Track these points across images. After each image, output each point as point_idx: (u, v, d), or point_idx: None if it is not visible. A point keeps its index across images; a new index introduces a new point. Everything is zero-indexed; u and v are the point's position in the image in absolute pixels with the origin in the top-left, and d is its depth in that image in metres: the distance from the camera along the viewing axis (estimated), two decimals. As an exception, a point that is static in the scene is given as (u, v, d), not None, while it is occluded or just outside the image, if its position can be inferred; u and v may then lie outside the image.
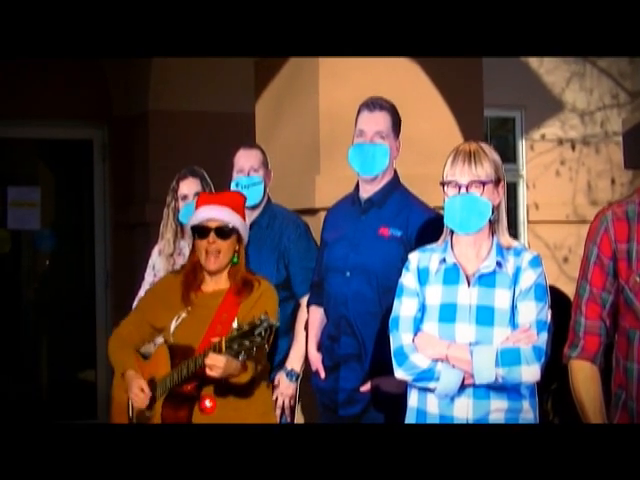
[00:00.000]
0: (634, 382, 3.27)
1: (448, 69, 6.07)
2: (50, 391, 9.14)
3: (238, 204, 4.31)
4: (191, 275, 4.25)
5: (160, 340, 4.37)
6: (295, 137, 6.18)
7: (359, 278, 4.47)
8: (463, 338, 3.62)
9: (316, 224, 5.21)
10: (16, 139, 8.87)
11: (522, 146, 9.89)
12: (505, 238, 3.73)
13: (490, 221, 3.70)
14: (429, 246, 3.82)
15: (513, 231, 9.41)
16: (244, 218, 4.34)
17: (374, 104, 4.53)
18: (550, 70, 9.82)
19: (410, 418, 3.76)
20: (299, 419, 5.51)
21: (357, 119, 4.57)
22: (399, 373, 3.70)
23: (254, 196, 5.14)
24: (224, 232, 4.20)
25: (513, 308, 3.64)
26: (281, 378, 4.93)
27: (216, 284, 4.24)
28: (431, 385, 3.64)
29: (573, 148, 9.95)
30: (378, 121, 4.51)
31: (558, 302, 3.93)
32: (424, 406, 3.70)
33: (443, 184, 3.70)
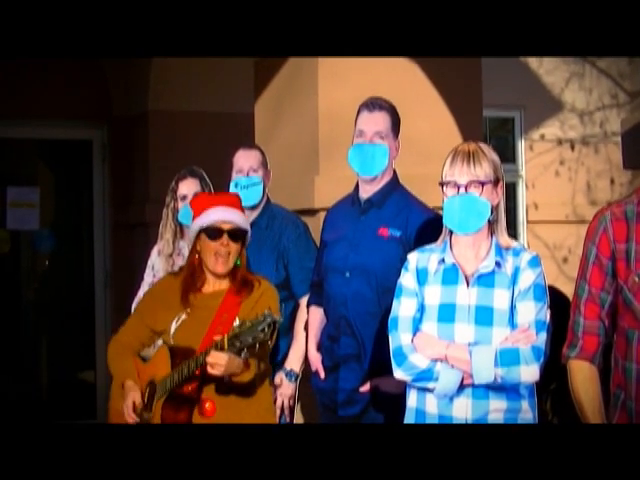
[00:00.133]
0: (633, 382, 3.27)
1: (447, 69, 6.08)
2: (49, 391, 9.14)
3: (241, 206, 4.30)
4: (192, 276, 4.20)
5: (160, 343, 4.33)
6: (294, 137, 6.18)
7: (358, 278, 4.47)
8: (462, 338, 3.63)
9: (315, 224, 5.22)
10: (15, 139, 8.87)
11: (521, 146, 9.89)
12: (504, 238, 3.74)
13: (489, 221, 3.71)
14: (428, 246, 3.82)
15: (512, 231, 9.41)
16: None
17: (373, 104, 4.54)
18: (549, 70, 9.83)
19: (409, 418, 3.77)
20: (298, 419, 5.51)
21: (357, 119, 4.57)
22: (398, 373, 3.71)
23: (253, 196, 5.14)
24: (237, 235, 4.15)
25: (512, 308, 3.64)
26: (281, 378, 4.94)
27: (216, 284, 4.21)
28: (430, 385, 3.64)
29: (572, 148, 9.95)
30: (377, 121, 4.52)
31: (557, 302, 3.93)
32: (423, 406, 3.70)
33: (442, 184, 3.70)
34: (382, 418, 4.41)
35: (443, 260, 3.72)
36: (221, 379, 3.99)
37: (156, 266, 5.40)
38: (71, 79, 8.70)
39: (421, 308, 3.72)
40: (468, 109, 6.25)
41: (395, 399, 4.08)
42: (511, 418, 3.64)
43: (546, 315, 3.64)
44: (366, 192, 4.56)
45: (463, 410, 3.64)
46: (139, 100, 8.66)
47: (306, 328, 4.86)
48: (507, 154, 9.70)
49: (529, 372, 3.58)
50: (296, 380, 5.03)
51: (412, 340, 3.68)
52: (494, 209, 3.71)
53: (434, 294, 3.70)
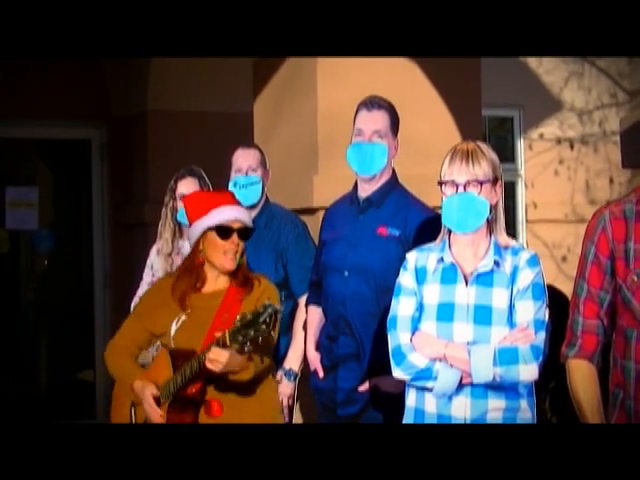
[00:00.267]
0: (632, 381, 3.27)
1: (447, 69, 6.08)
2: (49, 391, 9.14)
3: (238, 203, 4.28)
4: (191, 277, 4.15)
5: (158, 345, 4.28)
6: (293, 137, 6.18)
7: (357, 278, 4.47)
8: (461, 337, 3.63)
9: (314, 224, 5.22)
10: (14, 139, 8.87)
11: (520, 145, 9.89)
12: (503, 237, 3.74)
13: (488, 220, 3.71)
14: (427, 245, 3.82)
15: (511, 230, 9.41)
16: None
17: (372, 103, 4.54)
18: (549, 70, 9.83)
19: (408, 417, 3.77)
20: (298, 419, 5.51)
21: (355, 118, 4.57)
22: (397, 372, 3.71)
23: (252, 196, 5.15)
24: (246, 233, 4.12)
25: (511, 307, 3.64)
26: (280, 377, 4.94)
27: (216, 284, 4.16)
28: (429, 384, 3.64)
29: (571, 147, 9.95)
30: (376, 120, 4.52)
31: (556, 301, 3.94)
32: (422, 405, 3.71)
33: (441, 183, 3.70)
34: (381, 417, 4.41)
35: (442, 259, 3.73)
36: (223, 378, 3.94)
37: (155, 265, 5.40)
38: (70, 79, 8.70)
39: (420, 307, 3.72)
40: (467, 108, 6.25)
41: (394, 398, 4.08)
42: (510, 417, 3.64)
43: (545, 314, 3.64)
44: (365, 191, 4.56)
45: (462, 409, 3.64)
46: (138, 100, 8.66)
47: (305, 327, 4.86)
48: (506, 153, 9.70)
49: (528, 371, 3.59)
50: (295, 379, 5.03)
51: (411, 339, 3.68)
52: (493, 208, 3.71)
53: (433, 293, 3.70)
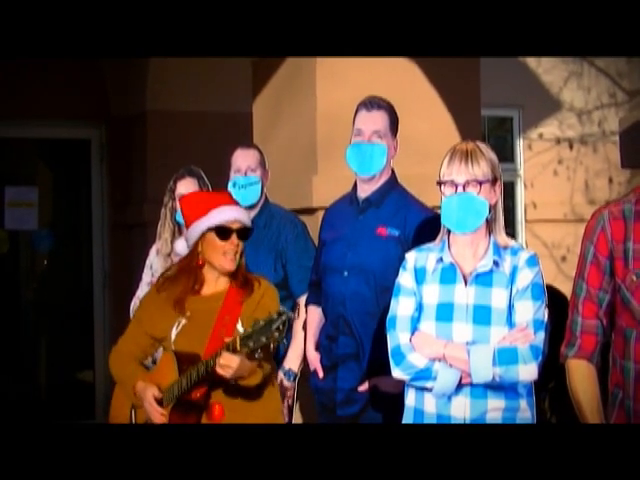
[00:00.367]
0: (631, 381, 3.27)
1: (446, 69, 6.08)
2: (48, 391, 9.14)
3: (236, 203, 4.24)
4: (189, 279, 4.10)
5: (161, 350, 4.22)
6: (293, 137, 6.18)
7: (357, 278, 4.47)
8: (460, 337, 3.63)
9: (314, 224, 5.22)
10: (14, 139, 8.87)
11: (520, 145, 9.89)
12: (502, 237, 3.74)
13: (487, 220, 3.71)
14: (426, 245, 3.82)
15: (511, 230, 9.41)
16: None
17: (372, 103, 4.54)
18: (548, 69, 9.83)
19: (408, 418, 3.77)
20: (297, 419, 5.51)
21: (355, 118, 4.57)
22: (396, 373, 3.71)
23: (251, 196, 5.15)
24: (245, 234, 4.08)
25: (510, 307, 3.64)
26: (279, 378, 4.93)
27: (215, 286, 4.11)
28: (428, 384, 3.65)
29: (571, 147, 9.95)
30: (376, 120, 4.52)
31: (555, 301, 3.94)
32: (422, 405, 3.71)
33: (440, 183, 3.70)
34: (381, 417, 4.41)
35: (441, 259, 3.73)
36: (229, 382, 3.89)
37: (154, 266, 5.39)
38: (70, 79, 8.70)
39: (419, 307, 3.72)
40: (466, 108, 6.26)
41: (394, 398, 4.08)
42: (509, 417, 3.64)
43: (544, 314, 3.65)
44: (364, 191, 4.56)
45: (461, 409, 3.64)
46: (137, 100, 8.66)
47: (304, 328, 4.86)
48: (505, 153, 9.70)
49: (527, 371, 3.59)
50: (295, 380, 5.03)
51: (410, 339, 3.68)
52: (492, 208, 3.71)
53: (432, 293, 3.70)
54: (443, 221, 3.73)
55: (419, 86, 6.12)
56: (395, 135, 4.58)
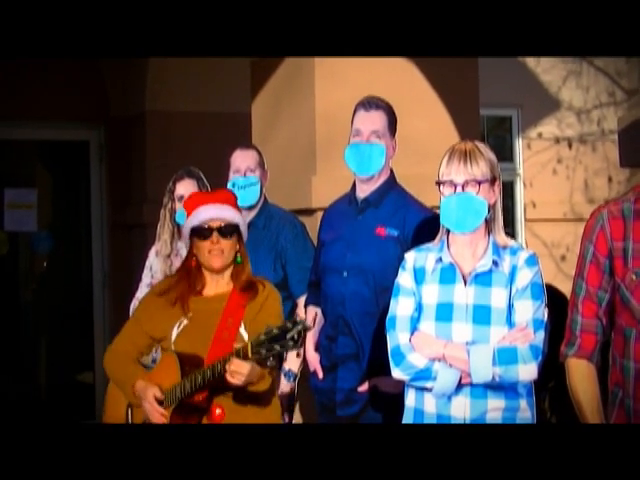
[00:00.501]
0: (631, 380, 3.27)
1: (445, 69, 6.08)
2: (48, 391, 9.14)
3: (234, 201, 4.15)
4: (189, 279, 4.06)
5: (158, 352, 4.20)
6: (292, 137, 6.18)
7: (356, 278, 4.47)
8: (460, 337, 3.63)
9: (313, 224, 5.22)
10: (13, 140, 8.87)
11: (519, 145, 9.89)
12: (501, 237, 3.74)
13: (486, 220, 3.71)
14: (425, 245, 3.82)
15: (510, 230, 9.41)
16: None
17: (370, 103, 4.54)
18: (547, 69, 9.83)
19: (408, 418, 3.77)
20: (297, 419, 5.51)
21: (353, 118, 4.57)
22: (396, 373, 3.71)
23: (250, 196, 5.15)
24: (227, 231, 4.02)
25: (510, 307, 3.64)
26: (279, 378, 4.93)
27: (217, 287, 4.07)
28: (428, 384, 3.64)
29: (570, 146, 9.96)
30: (374, 120, 4.51)
31: (555, 300, 3.93)
32: (421, 405, 3.71)
33: (439, 183, 3.70)
34: (380, 418, 4.41)
35: (440, 259, 3.73)
36: (235, 387, 3.82)
37: (154, 267, 5.39)
38: (70, 80, 8.70)
39: (419, 307, 3.72)
40: (465, 108, 6.26)
41: (393, 398, 4.08)
42: (509, 417, 3.64)
43: (544, 314, 3.65)
44: (363, 191, 4.56)
45: (461, 409, 3.64)
46: (136, 100, 8.66)
47: (304, 328, 4.85)
48: (504, 153, 9.70)
49: (527, 371, 3.59)
50: (294, 380, 5.03)
51: (410, 339, 3.68)
52: (491, 208, 3.71)
53: (432, 293, 3.70)
54: (442, 221, 3.73)
55: (418, 86, 6.12)
56: (394, 135, 4.58)
